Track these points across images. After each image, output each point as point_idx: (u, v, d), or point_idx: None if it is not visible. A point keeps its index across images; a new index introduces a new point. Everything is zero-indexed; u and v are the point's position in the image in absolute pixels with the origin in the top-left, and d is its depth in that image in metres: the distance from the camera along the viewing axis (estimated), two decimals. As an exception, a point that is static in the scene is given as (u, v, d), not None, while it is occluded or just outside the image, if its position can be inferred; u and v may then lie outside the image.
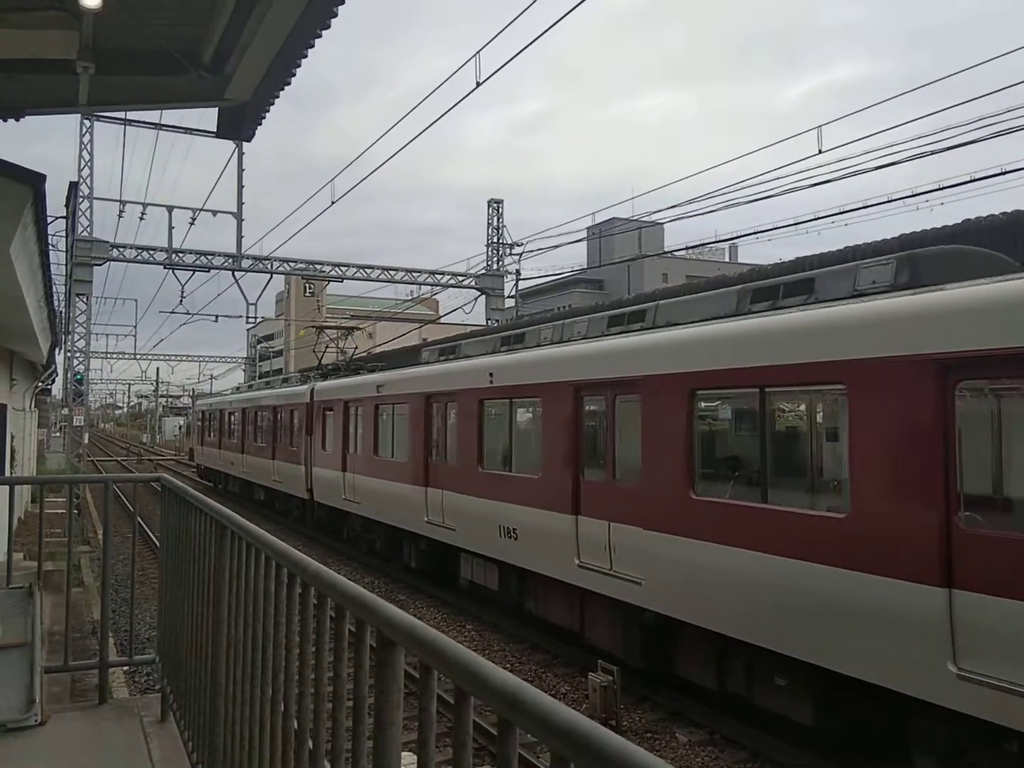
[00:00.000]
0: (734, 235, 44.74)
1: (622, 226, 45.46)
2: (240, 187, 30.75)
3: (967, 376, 6.27)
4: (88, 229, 29.50)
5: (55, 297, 11.92)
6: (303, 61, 5.59)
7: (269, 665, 2.67)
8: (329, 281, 35.46)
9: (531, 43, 12.28)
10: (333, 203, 25.28)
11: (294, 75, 5.85)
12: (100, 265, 29.95)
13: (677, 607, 8.87)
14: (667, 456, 9.02)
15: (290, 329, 75.29)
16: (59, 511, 16.31)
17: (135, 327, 61.51)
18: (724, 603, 8.17)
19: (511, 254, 34.38)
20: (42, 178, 4.47)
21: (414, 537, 15.64)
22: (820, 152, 17.14)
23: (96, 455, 57.25)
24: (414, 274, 34.39)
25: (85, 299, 30.30)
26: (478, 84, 14.40)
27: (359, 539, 19.21)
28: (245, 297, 32.85)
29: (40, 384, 27.52)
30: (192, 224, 30.11)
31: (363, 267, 33.60)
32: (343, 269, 33.27)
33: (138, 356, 70.89)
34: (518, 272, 34.71)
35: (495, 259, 34.82)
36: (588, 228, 43.02)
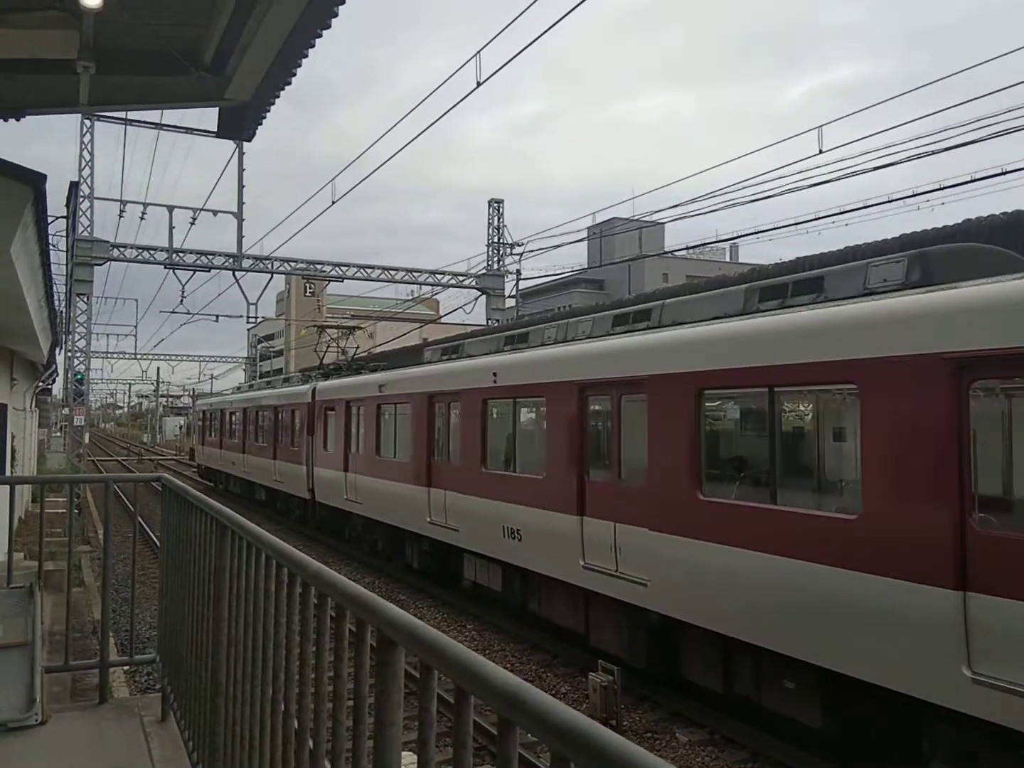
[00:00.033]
0: (734, 235, 44.78)
1: (622, 226, 45.47)
2: (240, 187, 30.77)
3: (981, 375, 6.18)
4: (89, 229, 29.51)
5: (55, 297, 11.93)
6: (303, 61, 5.60)
7: (270, 665, 2.67)
8: (329, 281, 35.47)
9: (531, 43, 12.29)
10: (333, 203, 25.30)
11: (294, 75, 5.85)
12: (100, 265, 29.96)
13: (683, 609, 8.79)
14: (674, 456, 8.94)
15: (290, 329, 75.30)
16: (60, 511, 16.33)
17: (135, 327, 61.69)
18: (731, 605, 8.09)
19: (511, 254, 34.41)
20: (42, 178, 4.47)
21: (416, 538, 15.58)
22: (820, 152, 17.14)
23: (96, 455, 57.27)
24: (415, 274, 34.40)
25: (86, 299, 30.31)
26: (478, 84, 14.40)
27: (361, 539, 19.17)
28: (246, 297, 32.89)
29: (41, 384, 27.53)
30: (192, 224, 30.17)
31: (364, 267, 33.60)
32: (344, 269, 33.28)
33: (138, 356, 71.02)
34: (518, 272, 34.76)
35: (495, 259, 34.83)
36: (588, 228, 43.06)
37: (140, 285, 49.45)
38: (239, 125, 6.94)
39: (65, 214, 25.13)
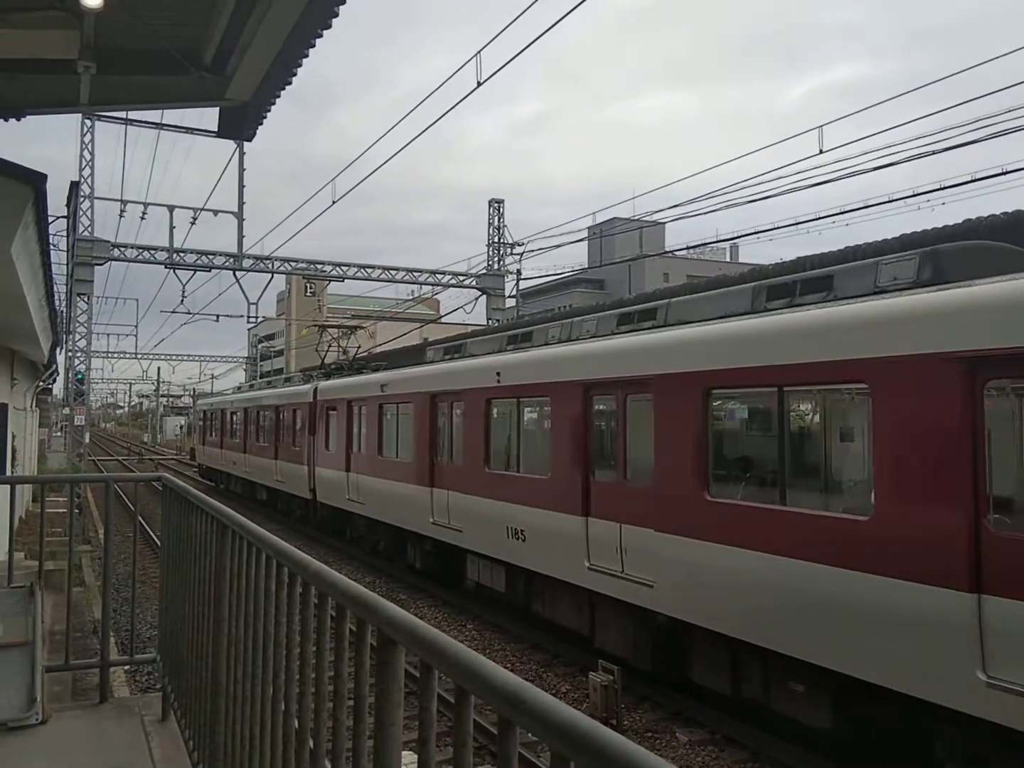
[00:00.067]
0: (735, 235, 44.75)
1: (623, 226, 45.48)
2: (241, 187, 30.75)
3: (996, 375, 6.09)
4: (89, 229, 29.50)
5: (56, 297, 11.92)
6: (304, 61, 5.60)
7: (270, 664, 2.67)
8: (330, 281, 35.47)
9: (532, 43, 12.28)
10: (334, 203, 25.28)
11: (295, 75, 5.85)
12: (101, 265, 29.96)
13: (690, 610, 8.71)
14: (681, 457, 8.87)
15: (291, 329, 75.30)
16: (60, 510, 16.33)
17: (136, 327, 61.77)
18: (739, 607, 8.00)
19: (512, 254, 34.40)
20: (43, 178, 4.48)
21: (419, 538, 15.51)
22: (821, 152, 17.14)
23: (97, 454, 57.29)
24: (415, 274, 34.39)
25: (86, 299, 30.31)
26: (479, 84, 14.40)
27: (362, 540, 19.13)
28: (246, 297, 32.88)
29: (41, 384, 27.54)
30: (193, 224, 30.16)
31: (364, 267, 33.59)
32: (344, 269, 33.27)
33: (139, 356, 71.06)
34: (519, 272, 34.74)
35: (496, 259, 34.82)
36: (589, 228, 43.05)
37: (140, 285, 49.53)
38: (239, 125, 6.94)
39: (66, 214, 25.10)
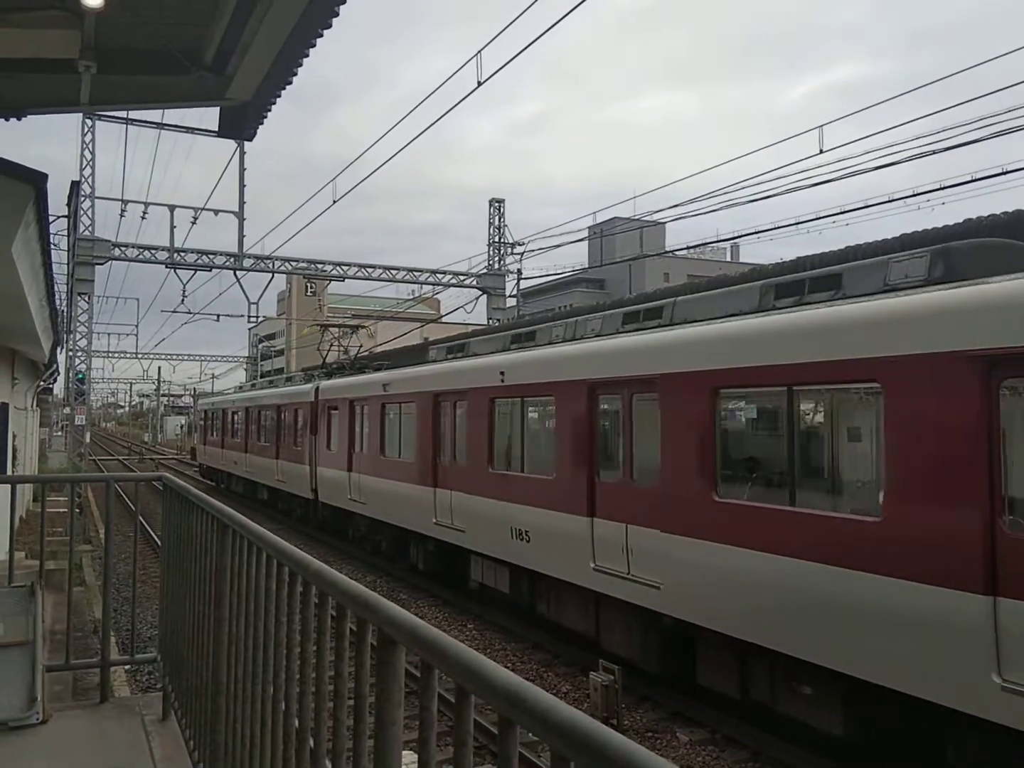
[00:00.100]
0: (735, 235, 44.75)
1: (623, 225, 45.47)
2: (242, 186, 30.75)
3: (1012, 374, 5.98)
4: (90, 228, 29.52)
5: (57, 296, 11.93)
6: (304, 61, 5.60)
7: (270, 664, 2.67)
8: (330, 280, 35.48)
9: (532, 42, 12.29)
10: (334, 202, 25.31)
11: (295, 75, 5.85)
12: (102, 264, 29.97)
13: (698, 612, 8.62)
14: (689, 457, 8.79)
15: (291, 328, 75.31)
16: (61, 510, 16.32)
17: (137, 326, 61.74)
18: (748, 609, 7.91)
19: (512, 253, 34.40)
20: (44, 177, 4.48)
21: (422, 539, 15.44)
22: (821, 152, 17.14)
23: (98, 454, 57.33)
24: (415, 273, 34.40)
25: (87, 298, 30.33)
26: (479, 84, 14.40)
27: (364, 540, 19.07)
28: (247, 296, 32.91)
29: (42, 383, 27.55)
30: (194, 223, 30.18)
31: (364, 266, 33.60)
32: (345, 268, 33.28)
33: (140, 355, 71.10)
34: (519, 271, 34.73)
35: (496, 259, 34.83)
36: (589, 228, 43.05)
37: (141, 285, 49.58)
38: (240, 125, 6.94)
39: (66, 213, 25.15)
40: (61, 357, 28.18)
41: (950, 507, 6.19)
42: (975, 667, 5.90)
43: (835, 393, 7.89)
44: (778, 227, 23.56)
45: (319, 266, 33.18)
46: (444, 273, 34.55)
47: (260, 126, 7.01)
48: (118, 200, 30.41)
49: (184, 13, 5.06)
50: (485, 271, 34.71)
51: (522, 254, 33.67)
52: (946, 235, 10.54)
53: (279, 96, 6.30)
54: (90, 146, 30.13)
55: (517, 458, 12.50)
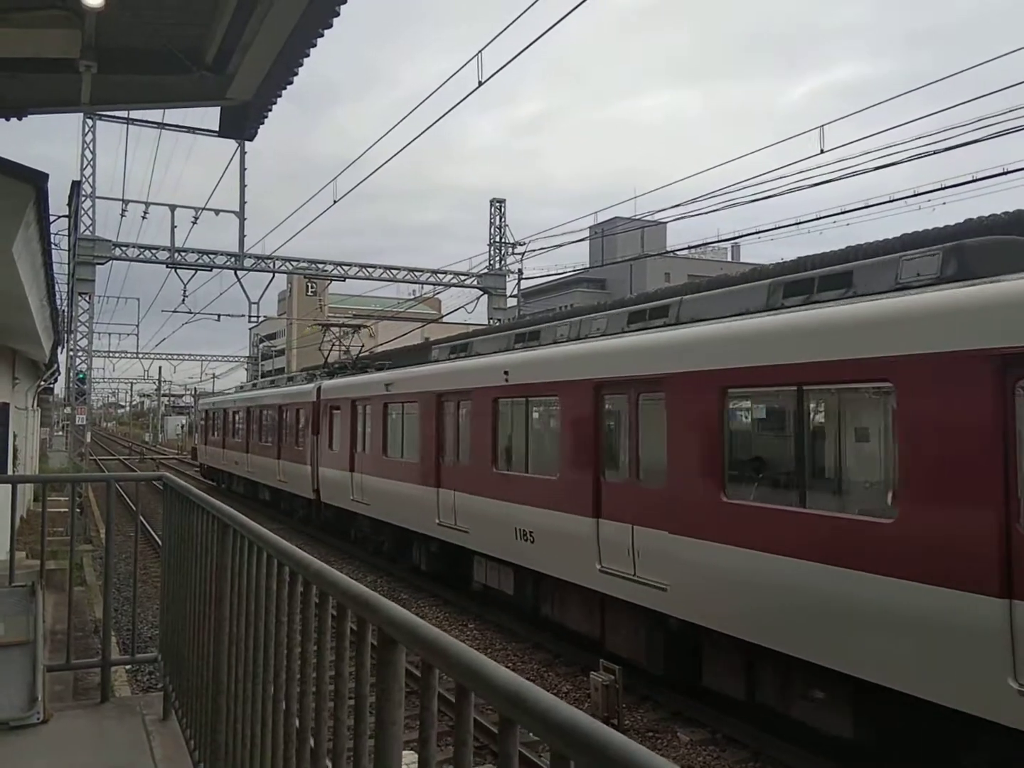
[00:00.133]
0: (736, 234, 44.75)
1: (624, 225, 45.43)
2: (242, 186, 30.77)
3: None
4: (90, 228, 29.54)
5: (57, 296, 11.94)
6: (305, 60, 5.60)
7: (271, 663, 2.67)
8: (331, 280, 35.50)
9: (533, 42, 12.28)
10: (335, 202, 25.29)
11: (296, 74, 5.86)
12: (102, 264, 30.00)
13: (705, 614, 8.53)
14: (696, 457, 8.69)
15: (292, 328, 75.33)
16: (61, 510, 16.33)
17: (137, 326, 61.75)
18: (756, 611, 7.82)
19: (513, 253, 34.41)
20: (44, 177, 4.48)
21: (425, 539, 15.36)
22: (822, 152, 17.15)
23: (98, 454, 57.35)
24: (416, 273, 34.42)
25: (87, 298, 30.35)
26: (480, 83, 14.39)
27: (367, 540, 19.02)
28: (247, 296, 32.95)
29: (43, 383, 27.56)
30: (194, 223, 30.23)
31: (365, 266, 33.63)
32: (345, 268, 33.31)
33: (140, 355, 71.16)
34: (520, 271, 34.74)
35: (497, 258, 34.84)
36: (590, 227, 43.06)
37: (142, 284, 49.63)
38: (241, 124, 6.94)
39: (67, 213, 25.19)
40: (62, 357, 28.23)
41: (964, 508, 6.09)
42: (990, 671, 5.80)
43: (846, 393, 7.80)
44: (779, 227, 23.58)
45: (320, 266, 33.21)
46: (445, 273, 34.57)
47: (261, 126, 7.02)
48: (119, 200, 30.48)
49: (184, 13, 5.07)
50: (486, 271, 34.73)
51: (523, 254, 33.71)
52: (947, 235, 10.53)
53: (280, 96, 6.30)
54: (91, 146, 30.16)
55: (521, 458, 12.41)
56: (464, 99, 15.16)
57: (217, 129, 7.20)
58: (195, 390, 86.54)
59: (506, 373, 12.39)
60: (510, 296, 35.56)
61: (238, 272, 31.17)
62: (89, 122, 30.03)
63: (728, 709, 8.93)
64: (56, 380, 33.14)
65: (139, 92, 6.72)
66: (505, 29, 12.53)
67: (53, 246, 9.73)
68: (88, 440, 36.72)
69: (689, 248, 47.80)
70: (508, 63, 12.95)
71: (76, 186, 26.91)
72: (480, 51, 14.18)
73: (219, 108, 6.65)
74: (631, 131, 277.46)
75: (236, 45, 5.25)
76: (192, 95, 6.25)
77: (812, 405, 7.97)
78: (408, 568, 16.84)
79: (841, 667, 6.96)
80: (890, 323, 6.80)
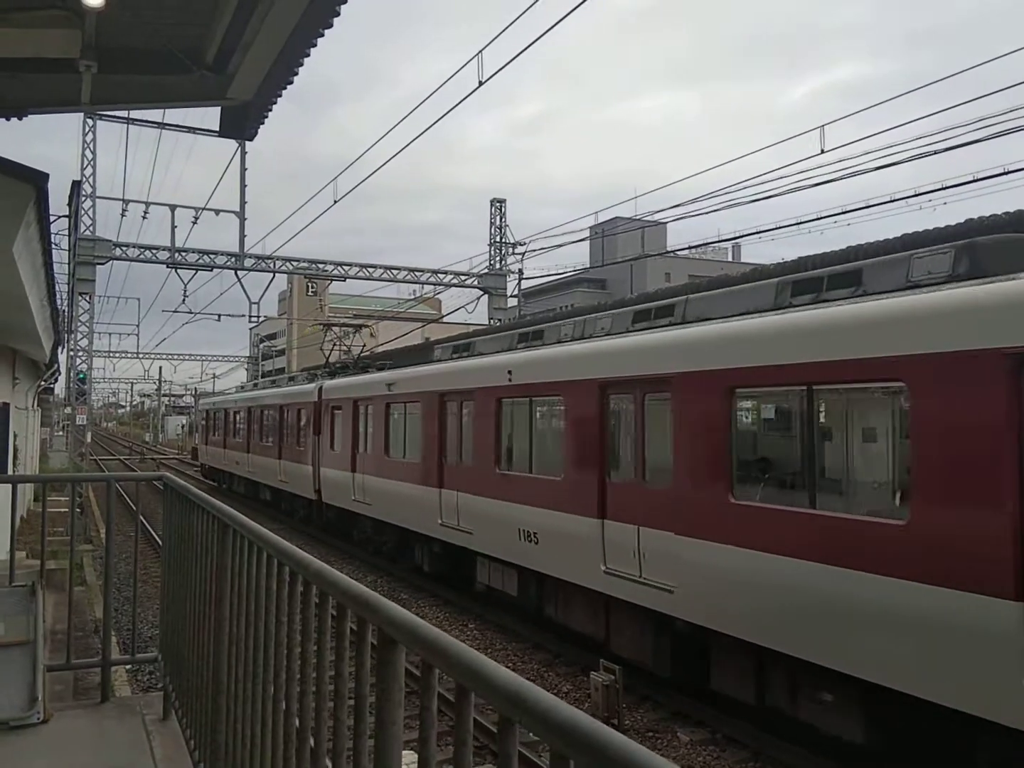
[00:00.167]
0: (737, 235, 44.75)
1: (624, 225, 45.45)
2: (243, 186, 30.79)
3: None
4: (91, 228, 29.56)
5: (58, 296, 11.93)
6: (305, 60, 5.60)
7: (271, 663, 2.67)
8: (332, 280, 35.51)
9: (533, 43, 12.30)
10: (336, 202, 25.30)
11: (296, 74, 5.86)
12: (103, 264, 30.02)
13: (712, 617, 8.43)
14: (704, 458, 8.60)
15: (292, 328, 75.36)
16: (62, 510, 16.32)
17: (138, 326, 61.82)
18: (765, 613, 7.72)
19: (513, 253, 34.42)
20: (44, 177, 4.48)
21: (427, 540, 15.29)
22: (822, 152, 17.17)
23: (99, 454, 57.37)
24: (416, 273, 34.44)
25: (88, 298, 30.37)
26: (480, 83, 14.40)
27: (369, 541, 18.98)
28: (248, 296, 32.96)
29: (43, 383, 27.57)
30: (195, 223, 30.26)
31: (366, 266, 33.65)
32: (346, 268, 33.33)
33: (141, 355, 71.22)
34: (521, 271, 34.75)
35: (498, 258, 34.85)
36: (591, 228, 43.07)
37: (142, 284, 49.69)
38: (241, 124, 6.94)
39: (67, 213, 25.17)
40: (62, 357, 28.23)
41: (978, 510, 5.99)
42: (1006, 675, 5.72)
43: (857, 392, 7.71)
44: (779, 227, 23.63)
45: (320, 266, 33.22)
46: (445, 273, 34.58)
47: (261, 126, 7.02)
48: (119, 200, 30.52)
49: (185, 13, 5.07)
50: (486, 271, 34.74)
51: (523, 254, 33.72)
52: (947, 235, 10.53)
53: (280, 96, 6.30)
54: (91, 146, 30.18)
55: (525, 459, 12.34)
56: (464, 99, 15.19)
57: (217, 129, 7.20)
58: (195, 390, 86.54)
59: (509, 373, 12.32)
60: (510, 296, 35.60)
61: (238, 272, 31.20)
62: (89, 122, 30.05)
63: (728, 709, 8.92)
64: (56, 380, 33.16)
65: (139, 92, 6.72)
66: (505, 29, 12.54)
67: (53, 246, 9.73)
68: (88, 440, 36.73)
69: (689, 248, 47.77)
70: (508, 63, 12.97)
71: (76, 186, 26.90)
72: (480, 51, 14.20)
73: (219, 108, 6.65)
74: (630, 132, 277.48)
75: (236, 45, 5.25)
76: (192, 95, 6.25)
77: (822, 405, 7.88)
78: (408, 568, 16.82)
79: (851, 670, 6.88)
80: (903, 322, 6.69)
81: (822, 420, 7.95)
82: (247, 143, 29.96)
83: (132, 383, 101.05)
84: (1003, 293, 6.02)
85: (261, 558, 2.84)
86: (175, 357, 76.97)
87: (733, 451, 8.34)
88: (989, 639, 5.83)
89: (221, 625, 3.36)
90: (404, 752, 1.87)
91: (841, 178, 17.14)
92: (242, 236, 30.71)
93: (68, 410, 35.27)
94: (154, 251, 30.17)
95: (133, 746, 4.51)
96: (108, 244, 29.55)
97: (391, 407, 17.08)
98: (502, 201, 35.01)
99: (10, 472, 15.15)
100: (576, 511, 10.51)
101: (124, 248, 29.87)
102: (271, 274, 32.46)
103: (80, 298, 29.91)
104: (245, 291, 32.38)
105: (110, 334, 63.61)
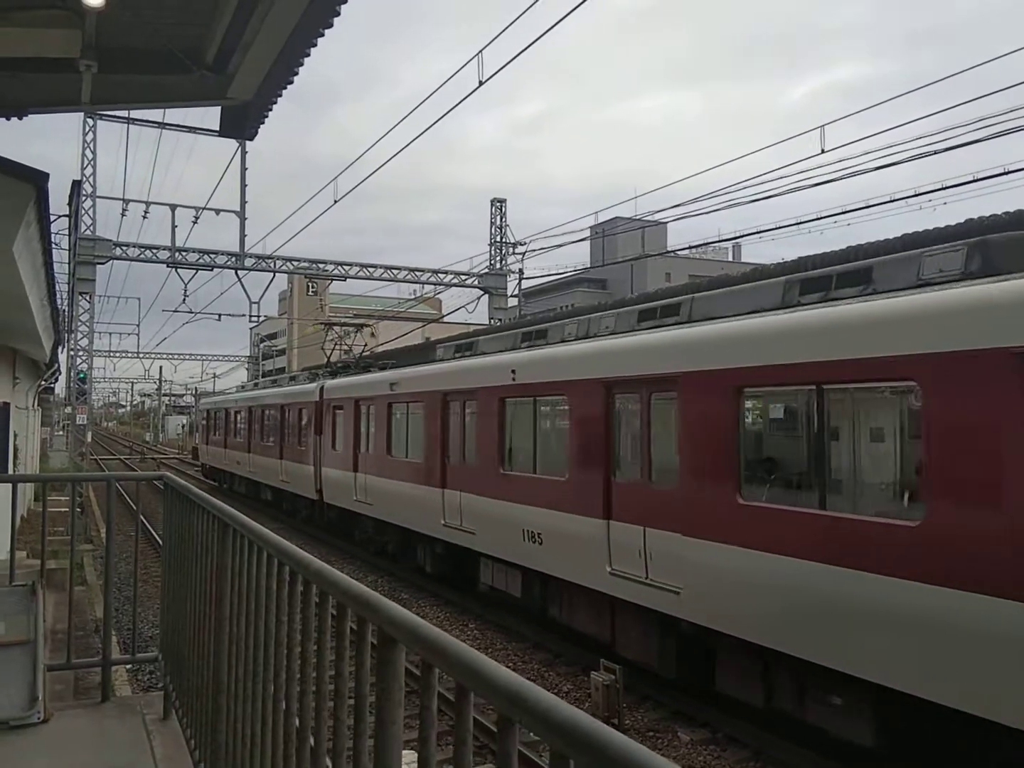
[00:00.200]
0: (737, 234, 44.75)
1: (625, 225, 45.44)
2: (243, 186, 30.80)
3: None
4: (91, 228, 29.56)
5: (58, 295, 11.94)
6: (305, 60, 5.60)
7: (271, 663, 2.68)
8: (332, 280, 35.51)
9: (533, 42, 12.29)
10: (336, 202, 25.31)
11: (296, 74, 5.86)
12: (103, 264, 30.02)
13: (719, 619, 8.34)
14: (711, 458, 8.52)
15: (293, 328, 75.37)
16: (62, 509, 16.32)
17: (138, 326, 61.80)
18: (774, 615, 7.64)
19: (514, 253, 34.42)
20: (45, 176, 4.48)
21: (430, 540, 15.23)
22: (822, 152, 17.17)
23: (99, 453, 57.36)
24: (417, 273, 34.43)
25: (88, 298, 30.37)
26: (480, 83, 14.40)
27: (370, 541, 18.93)
28: (248, 296, 32.95)
29: (43, 382, 27.57)
30: (195, 223, 30.27)
31: (366, 266, 33.64)
32: (346, 268, 33.33)
33: (141, 355, 71.19)
34: (521, 271, 34.74)
35: (498, 258, 34.84)
36: (591, 227, 43.09)
37: (142, 284, 49.70)
38: (241, 124, 6.94)
39: (67, 213, 25.16)
40: (62, 356, 28.23)
41: (996, 511, 5.89)
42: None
43: (867, 392, 7.64)
44: (780, 227, 23.62)
45: (321, 266, 33.22)
46: (446, 273, 34.58)
47: (261, 125, 7.02)
48: (119, 199, 30.52)
49: (185, 13, 5.07)
50: (487, 271, 34.74)
51: (524, 254, 33.71)
52: (948, 235, 10.53)
53: (280, 95, 6.30)
54: (91, 145, 30.19)
55: (529, 459, 12.26)
56: (464, 99, 15.19)
57: (217, 129, 7.20)
58: (196, 390, 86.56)
59: (513, 372, 12.26)
60: (511, 296, 35.59)
61: (239, 272, 31.20)
62: (89, 122, 30.05)
63: (729, 709, 8.92)
64: (57, 380, 33.16)
65: (139, 92, 6.72)
66: (505, 29, 12.54)
67: (53, 246, 9.74)
68: (89, 440, 36.71)
69: (690, 248, 47.75)
70: (508, 63, 12.97)
71: (76, 186, 26.88)
72: (480, 51, 14.20)
73: (219, 108, 6.65)
74: (630, 132, 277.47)
75: (236, 45, 5.25)
76: (192, 95, 6.25)
77: (832, 405, 7.77)
78: (409, 568, 16.79)
79: (861, 673, 6.81)
80: (915, 320, 6.60)
81: (831, 420, 7.83)
82: (247, 143, 29.99)
83: (132, 383, 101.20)
84: (1019, 291, 5.94)
85: (261, 558, 2.84)
86: (175, 357, 77.03)
87: (741, 451, 8.25)
88: (1008, 642, 5.73)
89: (221, 625, 3.36)
90: (404, 752, 1.87)
91: (841, 178, 17.15)
92: (242, 236, 30.73)
93: (68, 410, 35.28)
94: (154, 251, 30.18)
95: (133, 746, 4.51)
96: (108, 244, 29.56)
97: (393, 407, 17.01)
98: (502, 201, 35.01)
99: (10, 472, 15.15)
100: (581, 512, 10.43)
101: (124, 248, 29.88)
102: (271, 274, 32.48)
103: (80, 298, 29.91)
104: (245, 291, 32.42)
105: (110, 334, 63.68)
